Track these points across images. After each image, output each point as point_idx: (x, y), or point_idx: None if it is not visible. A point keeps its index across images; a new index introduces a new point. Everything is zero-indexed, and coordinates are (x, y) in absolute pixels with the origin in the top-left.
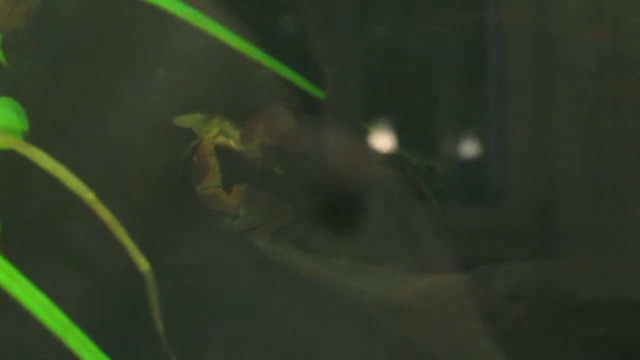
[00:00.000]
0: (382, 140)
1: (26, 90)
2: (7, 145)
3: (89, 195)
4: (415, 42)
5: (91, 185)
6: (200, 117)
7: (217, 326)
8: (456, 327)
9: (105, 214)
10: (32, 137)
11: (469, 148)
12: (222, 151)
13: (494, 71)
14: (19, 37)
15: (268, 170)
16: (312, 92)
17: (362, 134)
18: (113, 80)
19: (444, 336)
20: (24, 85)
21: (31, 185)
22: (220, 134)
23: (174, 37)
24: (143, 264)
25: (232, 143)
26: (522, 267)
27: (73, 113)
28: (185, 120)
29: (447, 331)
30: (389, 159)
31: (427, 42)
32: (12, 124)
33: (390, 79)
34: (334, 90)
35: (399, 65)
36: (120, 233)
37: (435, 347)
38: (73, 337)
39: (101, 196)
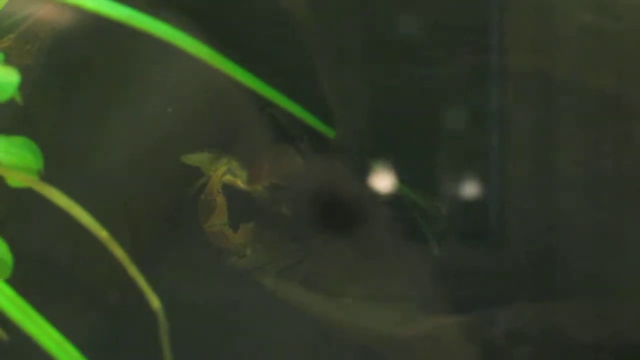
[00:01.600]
0: (388, 180)
1: (39, 127)
2: (24, 184)
3: (102, 234)
4: (422, 83)
5: (103, 222)
6: (207, 155)
7: None
8: None
9: (118, 252)
10: (46, 173)
11: (472, 189)
12: (229, 190)
13: (498, 113)
14: (31, 75)
15: (275, 210)
16: (322, 131)
17: (369, 173)
18: (124, 118)
19: None
20: (38, 123)
21: (45, 222)
22: (227, 172)
23: (184, 74)
24: (154, 301)
25: (240, 182)
26: (524, 309)
27: (85, 150)
28: (193, 159)
29: None
30: (394, 198)
31: (434, 84)
32: (29, 163)
33: (397, 120)
34: (342, 130)
35: (406, 106)
36: (133, 271)
37: None
38: None
39: (113, 233)
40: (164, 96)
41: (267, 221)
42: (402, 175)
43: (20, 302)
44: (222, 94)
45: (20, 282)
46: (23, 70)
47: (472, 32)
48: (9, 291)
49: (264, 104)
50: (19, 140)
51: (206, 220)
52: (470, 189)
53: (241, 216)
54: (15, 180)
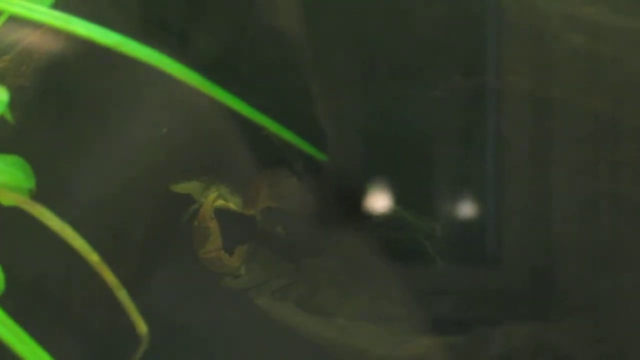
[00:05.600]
0: (382, 201)
1: (32, 147)
2: (15, 203)
3: (93, 257)
4: (416, 105)
5: (93, 244)
6: (197, 184)
7: None
8: None
9: (109, 276)
10: (38, 194)
11: (467, 210)
12: (222, 214)
13: (493, 135)
14: (25, 95)
15: (269, 230)
16: (314, 155)
17: (362, 195)
18: (115, 141)
19: None
20: (30, 143)
21: (36, 243)
22: (218, 197)
23: (175, 99)
24: (141, 326)
25: (232, 205)
26: (518, 329)
27: (77, 172)
28: (182, 188)
29: None
30: (388, 219)
31: (427, 106)
32: (20, 182)
33: (390, 142)
34: (334, 152)
35: (400, 128)
36: (122, 295)
37: None
38: None
39: (103, 255)
40: (156, 120)
41: (261, 241)
42: (396, 196)
43: (10, 323)
44: (214, 118)
45: (10, 303)
46: (17, 91)
47: (467, 53)
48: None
49: (259, 127)
50: (11, 159)
51: (201, 247)
52: (464, 211)
53: (235, 237)
54: (7, 199)
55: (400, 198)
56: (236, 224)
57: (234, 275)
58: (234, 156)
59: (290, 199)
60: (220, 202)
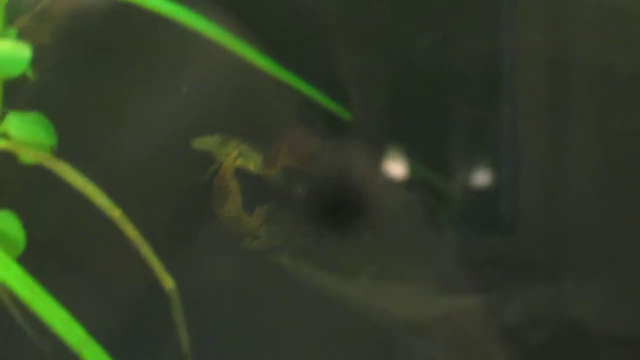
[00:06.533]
0: (404, 161)
1: (53, 105)
2: (36, 161)
3: (115, 213)
4: (440, 63)
5: (115, 201)
6: (218, 139)
7: (240, 345)
8: (476, 349)
9: (131, 231)
10: (59, 151)
11: (487, 172)
12: (242, 174)
13: (512, 94)
14: (47, 53)
15: (290, 191)
16: (339, 113)
17: (385, 155)
18: (137, 97)
19: (463, 358)
20: (52, 101)
21: (57, 200)
22: (239, 157)
23: (198, 55)
24: (168, 281)
25: (252, 166)
26: (540, 293)
27: (98, 129)
28: (203, 143)
29: (467, 353)
30: (411, 180)
31: (452, 64)
32: (41, 139)
33: (413, 101)
34: (358, 111)
35: (423, 87)
36: (146, 250)
37: None
38: (90, 352)
39: (125, 213)
40: (180, 77)
41: (281, 202)
42: (418, 157)
43: (29, 281)
44: (237, 77)
45: (29, 261)
46: (38, 49)
47: (487, 11)
48: (17, 270)
49: (279, 86)
50: (32, 117)
51: (221, 207)
52: (484, 172)
53: (254, 197)
54: (28, 156)
55: (421, 159)
56: (256, 185)
57: (253, 236)
58: (255, 116)
59: (311, 159)
60: (240, 162)
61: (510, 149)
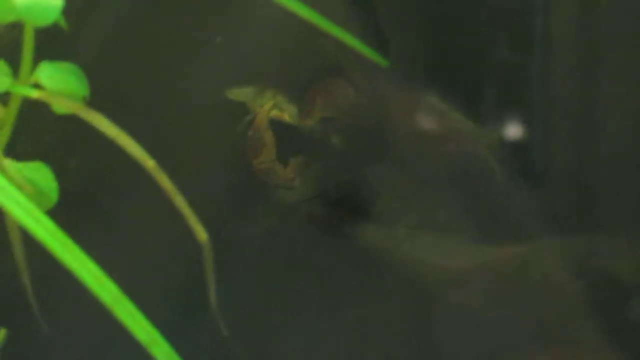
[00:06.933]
0: (442, 109)
1: (86, 55)
2: (70, 110)
3: (149, 163)
4: (479, 10)
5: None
6: (252, 90)
7: (274, 298)
8: (516, 300)
9: (166, 182)
10: (91, 102)
11: (523, 122)
12: (276, 125)
13: (547, 41)
14: (80, 2)
15: (325, 142)
16: (376, 61)
17: (423, 103)
18: (171, 46)
19: (503, 308)
20: (84, 50)
21: (89, 152)
22: (273, 107)
23: (237, 4)
24: (201, 233)
25: (287, 117)
26: (578, 243)
27: (131, 80)
28: (238, 94)
29: (507, 304)
30: (449, 129)
31: (490, 10)
32: (74, 89)
33: (452, 48)
34: (396, 58)
35: (462, 34)
36: (180, 201)
37: (494, 319)
38: (123, 308)
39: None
40: (213, 25)
41: (316, 153)
42: (457, 105)
43: (60, 235)
44: (271, 26)
45: (61, 215)
46: None
47: None
48: (49, 224)
49: (313, 35)
50: (64, 66)
51: (255, 157)
52: (518, 123)
53: (289, 148)
54: (61, 106)
55: (460, 107)
56: (291, 138)
57: (287, 187)
58: (290, 66)
59: (347, 109)
60: (275, 113)
61: (544, 100)
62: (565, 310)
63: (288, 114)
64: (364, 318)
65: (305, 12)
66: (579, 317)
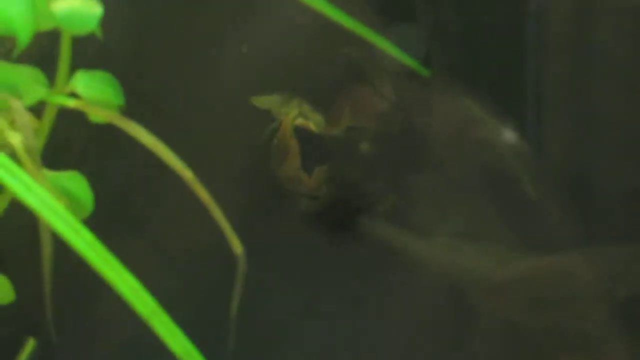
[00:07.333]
0: (482, 117)
1: (120, 64)
2: (107, 120)
3: (187, 174)
4: (519, 17)
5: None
6: (278, 98)
7: (299, 306)
8: (561, 310)
9: (203, 194)
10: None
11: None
12: (302, 133)
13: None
14: (112, 8)
15: (352, 150)
16: (417, 70)
17: (464, 110)
18: (201, 55)
19: (547, 319)
20: (119, 59)
21: (125, 162)
22: (299, 115)
23: (266, 11)
24: (237, 245)
25: (312, 125)
26: (621, 251)
27: (167, 88)
28: (263, 101)
29: (551, 314)
30: (488, 136)
31: (527, 17)
32: (109, 98)
33: (492, 56)
34: (438, 67)
35: (504, 42)
36: (217, 214)
37: (538, 330)
38: (160, 322)
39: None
40: (242, 34)
41: (341, 162)
42: (496, 112)
43: (99, 246)
44: (309, 32)
45: (98, 226)
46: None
47: None
48: (87, 234)
49: (340, 45)
50: (99, 75)
51: (279, 166)
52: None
53: (313, 157)
54: (98, 115)
55: (501, 115)
56: (316, 147)
57: (312, 196)
58: (316, 74)
59: (375, 117)
60: (300, 121)
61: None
62: (603, 320)
63: (313, 122)
64: (401, 327)
65: (345, 20)
66: (616, 327)
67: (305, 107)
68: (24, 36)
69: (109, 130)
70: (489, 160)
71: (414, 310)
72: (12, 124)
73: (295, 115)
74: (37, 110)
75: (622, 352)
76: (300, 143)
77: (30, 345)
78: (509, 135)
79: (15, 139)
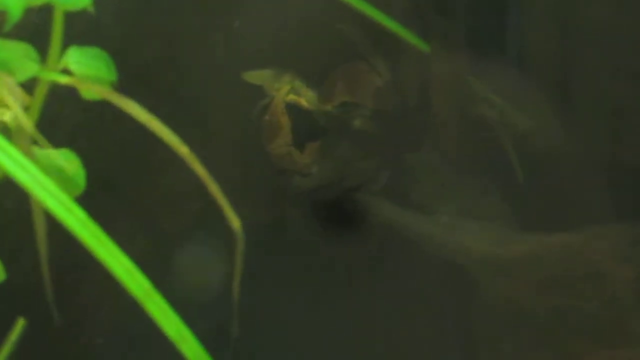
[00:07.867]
0: (483, 94)
1: (113, 40)
2: (100, 96)
3: (183, 149)
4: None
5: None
6: (270, 73)
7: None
8: (561, 288)
9: (199, 169)
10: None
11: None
12: (294, 109)
13: None
14: None
15: (346, 126)
16: (418, 46)
17: (462, 87)
18: (195, 29)
19: (548, 298)
20: (112, 36)
21: (119, 139)
22: (291, 91)
23: None
24: (235, 221)
25: (304, 101)
26: (626, 230)
27: (159, 64)
28: (255, 77)
29: (552, 293)
30: (489, 114)
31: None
32: (102, 74)
33: (492, 33)
34: (438, 43)
35: (502, 20)
36: (214, 189)
37: (538, 308)
38: (154, 303)
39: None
40: (235, 9)
41: (334, 139)
42: (498, 92)
43: (92, 225)
44: (295, 11)
45: (91, 205)
46: None
47: None
48: (80, 213)
49: (334, 21)
50: (92, 52)
51: (271, 142)
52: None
53: (305, 134)
54: (90, 92)
55: (501, 93)
56: (308, 123)
57: (304, 174)
58: (310, 50)
59: (369, 93)
60: (292, 97)
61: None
62: (613, 300)
63: (306, 98)
64: (402, 306)
65: None
66: (627, 306)
67: (298, 82)
68: (15, 11)
69: (101, 107)
70: (488, 138)
71: (412, 289)
72: (3, 101)
73: (287, 90)
74: (28, 86)
75: (633, 331)
76: (292, 119)
77: (20, 324)
78: (509, 113)
79: (7, 116)
